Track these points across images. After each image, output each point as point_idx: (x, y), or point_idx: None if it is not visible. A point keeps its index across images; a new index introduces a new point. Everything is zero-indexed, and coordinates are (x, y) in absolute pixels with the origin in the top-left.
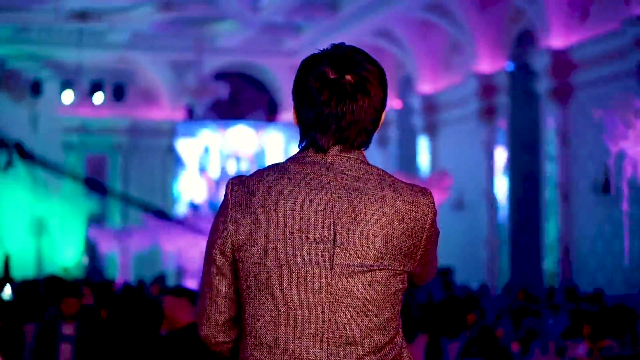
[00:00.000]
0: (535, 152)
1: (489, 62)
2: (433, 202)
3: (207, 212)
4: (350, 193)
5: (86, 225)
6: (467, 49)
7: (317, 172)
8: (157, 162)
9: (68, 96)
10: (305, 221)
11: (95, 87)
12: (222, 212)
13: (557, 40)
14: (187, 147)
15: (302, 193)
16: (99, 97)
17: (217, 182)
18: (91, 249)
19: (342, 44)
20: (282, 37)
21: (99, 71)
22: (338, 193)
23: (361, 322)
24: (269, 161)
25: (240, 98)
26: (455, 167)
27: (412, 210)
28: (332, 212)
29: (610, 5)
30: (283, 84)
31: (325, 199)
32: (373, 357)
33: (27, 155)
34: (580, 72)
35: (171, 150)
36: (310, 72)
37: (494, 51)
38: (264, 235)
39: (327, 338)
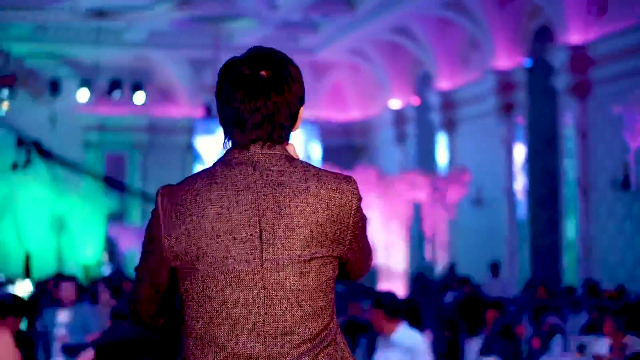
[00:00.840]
0: (554, 149)
1: (507, 59)
2: (357, 189)
3: None
4: (275, 189)
5: (106, 223)
6: (485, 45)
7: (243, 173)
8: (176, 159)
9: (84, 94)
10: (231, 223)
11: (114, 85)
12: (154, 224)
13: (575, 36)
14: (205, 144)
15: (229, 196)
16: (139, 97)
17: None
18: (111, 246)
19: (261, 46)
20: (299, 35)
21: (117, 69)
22: (263, 191)
23: (296, 312)
24: None
25: None
26: (474, 163)
27: (337, 197)
28: (258, 210)
29: (628, 1)
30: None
31: (251, 199)
32: (309, 345)
33: (45, 154)
34: (598, 67)
35: (190, 148)
36: (228, 71)
37: (511, 47)
38: (194, 244)
39: (263, 331)
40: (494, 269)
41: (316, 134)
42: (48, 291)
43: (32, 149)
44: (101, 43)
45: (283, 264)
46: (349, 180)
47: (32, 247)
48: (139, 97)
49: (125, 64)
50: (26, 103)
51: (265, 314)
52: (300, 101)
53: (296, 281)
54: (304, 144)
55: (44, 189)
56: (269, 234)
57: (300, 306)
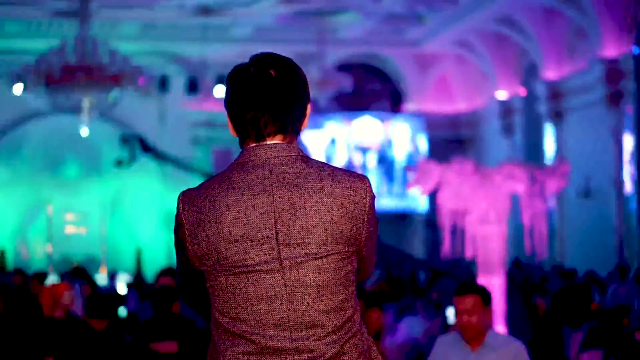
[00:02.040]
0: None
1: (614, 47)
2: (370, 187)
3: None
4: (291, 191)
5: None
6: (592, 33)
7: (260, 177)
8: None
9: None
10: (248, 226)
11: (221, 81)
12: (179, 229)
13: None
14: (313, 139)
15: (245, 200)
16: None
17: None
18: None
19: (264, 51)
20: (404, 27)
21: (223, 65)
22: (279, 193)
23: (318, 306)
24: (396, 152)
25: (363, 89)
26: (582, 154)
27: (351, 195)
28: (274, 212)
29: None
30: (407, 74)
31: (267, 202)
32: (334, 336)
33: (149, 150)
34: None
35: (298, 142)
36: (236, 75)
37: (619, 35)
38: (214, 249)
39: (289, 326)
40: (622, 272)
41: (422, 127)
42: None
43: (137, 146)
44: (208, 40)
45: (301, 262)
46: (362, 178)
47: (143, 242)
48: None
49: (231, 59)
50: (135, 100)
51: (289, 309)
52: (307, 98)
53: (315, 277)
54: (410, 137)
55: (154, 184)
56: (285, 234)
57: (322, 300)
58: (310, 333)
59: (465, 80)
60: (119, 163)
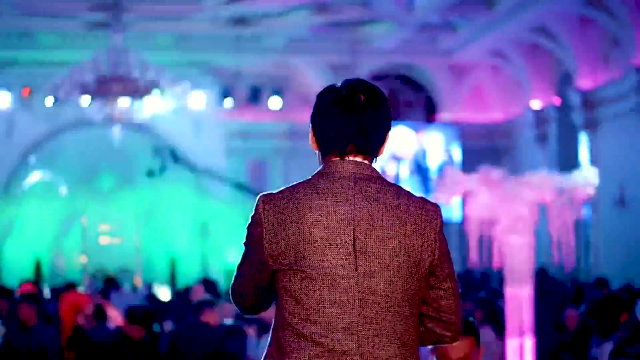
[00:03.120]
0: None
1: None
2: (440, 211)
3: None
4: (370, 204)
5: None
6: (626, 42)
7: (344, 186)
8: (317, 166)
9: (226, 102)
10: (328, 230)
11: (254, 92)
12: (255, 229)
13: None
14: None
15: (328, 205)
16: (278, 103)
17: None
18: None
19: (358, 78)
20: (438, 37)
21: (257, 76)
22: (360, 204)
23: (385, 316)
24: (430, 162)
25: (397, 99)
26: (616, 163)
27: (423, 214)
28: (354, 220)
29: None
30: (441, 83)
31: (347, 210)
32: (396, 348)
33: (180, 160)
34: None
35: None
36: (326, 94)
37: None
38: (293, 248)
39: (357, 331)
40: None
41: (456, 136)
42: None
43: (168, 157)
44: (241, 50)
45: (374, 271)
46: (435, 204)
47: (177, 252)
48: (279, 103)
49: (265, 70)
50: (169, 112)
51: (359, 315)
52: (389, 126)
53: (386, 288)
54: (444, 147)
55: (188, 195)
56: (362, 242)
57: (389, 311)
58: (376, 341)
59: (500, 89)
60: (150, 174)
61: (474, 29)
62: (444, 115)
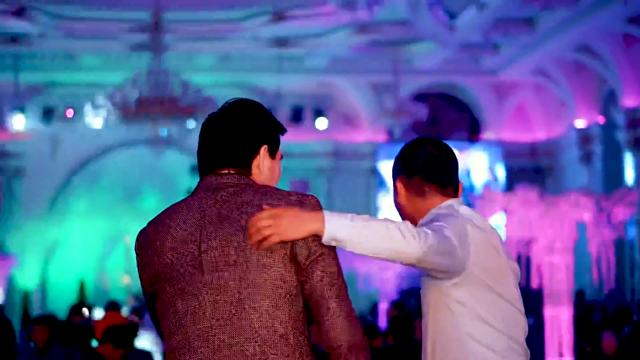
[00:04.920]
0: None
1: None
2: (307, 202)
3: None
4: (220, 206)
5: None
6: None
7: (200, 195)
8: (360, 184)
9: None
10: (176, 240)
11: (296, 112)
12: (136, 262)
13: None
14: (389, 169)
15: (180, 216)
16: (321, 123)
17: None
18: None
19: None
20: (480, 56)
21: (299, 96)
22: (210, 209)
23: (241, 314)
24: (474, 181)
25: (440, 118)
26: None
27: (278, 205)
28: (202, 224)
29: None
30: (484, 102)
31: (197, 217)
32: (256, 347)
33: None
34: None
35: (374, 173)
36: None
37: None
38: (152, 267)
39: (212, 335)
40: None
41: (500, 156)
42: None
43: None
44: (283, 70)
45: (221, 269)
46: (301, 195)
47: None
48: (322, 123)
49: (307, 90)
50: None
51: (212, 318)
52: (257, 139)
53: (236, 285)
54: (488, 166)
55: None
56: (207, 244)
57: (244, 309)
58: (233, 342)
59: (544, 108)
60: (189, 193)
61: (517, 48)
62: (487, 134)
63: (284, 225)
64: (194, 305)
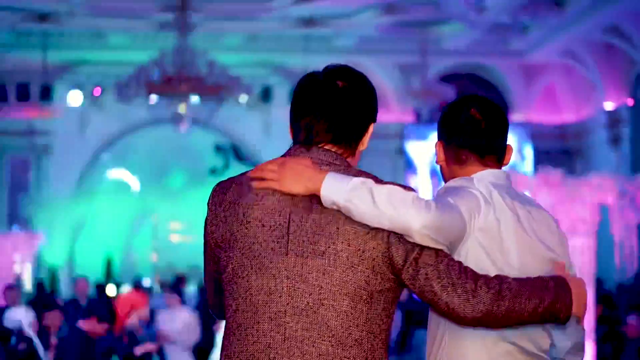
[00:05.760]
0: None
1: None
2: None
3: None
4: None
5: None
6: None
7: None
8: (388, 165)
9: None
10: (263, 210)
11: None
12: (206, 215)
13: None
14: (417, 150)
15: None
16: None
17: None
18: None
19: (340, 64)
20: (509, 37)
21: None
22: None
23: (318, 309)
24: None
25: None
26: None
27: None
28: (292, 202)
29: None
30: (512, 84)
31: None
32: (329, 347)
33: (243, 158)
34: None
35: (401, 153)
36: (304, 81)
37: None
38: (228, 229)
39: (284, 322)
40: None
41: (528, 137)
42: None
43: (231, 155)
44: (310, 50)
45: (307, 257)
46: (398, 185)
47: None
48: None
49: None
50: (238, 111)
51: (288, 304)
52: (371, 117)
53: (319, 277)
54: (515, 147)
55: None
56: (297, 225)
57: (322, 304)
58: (306, 335)
59: (572, 90)
60: (213, 171)
61: (546, 30)
62: (515, 116)
63: (286, 175)
64: (270, 286)
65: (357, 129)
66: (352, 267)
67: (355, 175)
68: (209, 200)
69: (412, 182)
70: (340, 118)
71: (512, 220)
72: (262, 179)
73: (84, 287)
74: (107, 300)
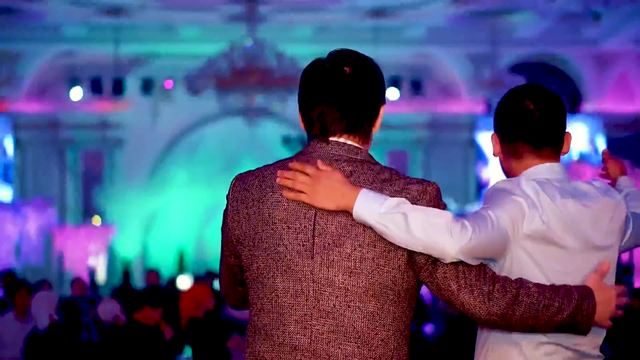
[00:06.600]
0: None
1: None
2: (430, 191)
3: None
4: None
5: None
6: None
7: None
8: (458, 156)
9: None
10: (288, 212)
11: (394, 83)
12: (226, 207)
13: None
14: (488, 140)
15: None
16: (393, 93)
17: None
18: None
19: (344, 49)
20: (581, 26)
21: (396, 67)
22: None
23: (344, 312)
24: (575, 154)
25: None
26: None
27: (400, 196)
28: None
29: None
30: (585, 73)
31: None
32: (355, 349)
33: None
34: None
35: (472, 144)
36: (311, 70)
37: None
38: (252, 228)
39: (310, 325)
40: None
41: (601, 127)
42: None
43: (298, 147)
44: (380, 41)
45: (332, 260)
46: (424, 183)
47: None
48: (419, 94)
49: (404, 61)
50: None
51: (314, 307)
52: (381, 99)
53: (345, 279)
54: (588, 138)
55: None
56: (322, 228)
57: (349, 307)
58: (332, 337)
59: None
60: None
61: (619, 18)
62: (588, 105)
63: (318, 190)
64: (297, 288)
65: (369, 113)
66: (379, 268)
67: (379, 173)
68: (228, 194)
69: (484, 173)
70: (351, 105)
71: (559, 223)
72: (292, 188)
73: (155, 280)
74: (166, 291)
